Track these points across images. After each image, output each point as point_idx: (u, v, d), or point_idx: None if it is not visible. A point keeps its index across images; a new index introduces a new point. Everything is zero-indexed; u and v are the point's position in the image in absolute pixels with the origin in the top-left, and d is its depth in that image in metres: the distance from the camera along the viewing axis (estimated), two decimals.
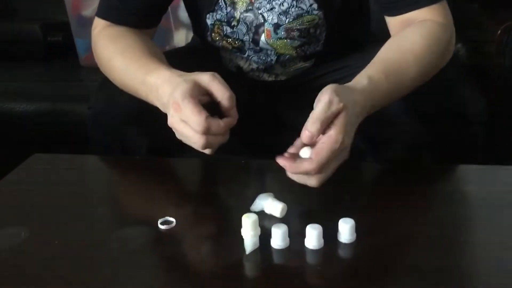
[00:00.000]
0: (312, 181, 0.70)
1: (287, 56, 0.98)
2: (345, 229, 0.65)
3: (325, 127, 0.68)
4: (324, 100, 0.69)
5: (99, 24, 0.93)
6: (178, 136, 0.74)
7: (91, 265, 0.64)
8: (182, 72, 0.77)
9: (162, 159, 0.89)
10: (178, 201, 0.77)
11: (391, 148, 0.89)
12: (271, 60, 0.99)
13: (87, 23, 1.59)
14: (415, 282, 0.60)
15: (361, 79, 0.77)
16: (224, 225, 0.70)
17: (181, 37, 1.64)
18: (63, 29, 1.71)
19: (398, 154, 0.89)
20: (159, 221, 0.69)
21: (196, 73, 0.75)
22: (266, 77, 1.04)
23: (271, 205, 0.70)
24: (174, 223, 0.69)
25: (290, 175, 0.70)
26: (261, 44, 0.96)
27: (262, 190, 0.73)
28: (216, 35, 0.98)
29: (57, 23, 1.75)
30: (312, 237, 0.64)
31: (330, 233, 0.65)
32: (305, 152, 0.69)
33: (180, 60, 1.03)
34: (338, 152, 0.69)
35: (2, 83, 1.55)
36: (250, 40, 0.96)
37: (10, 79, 1.57)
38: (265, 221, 0.69)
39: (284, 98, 1.04)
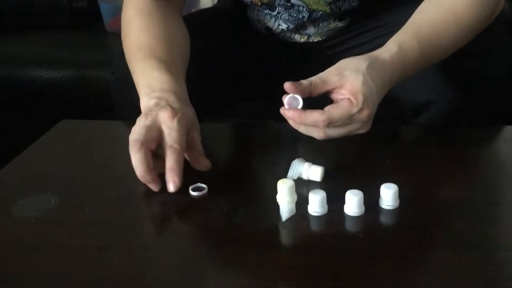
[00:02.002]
0: (318, 133, 0.68)
1: (320, 12, 0.93)
2: (388, 195, 0.61)
3: None
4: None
5: None
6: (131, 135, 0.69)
7: (122, 231, 0.61)
8: (161, 99, 0.72)
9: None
10: (210, 170, 0.73)
11: (428, 112, 0.85)
12: (303, 17, 0.94)
13: None
14: (459, 250, 0.56)
15: (389, 46, 0.73)
16: (259, 191, 0.67)
17: (207, 0, 1.60)
18: None
19: (436, 117, 0.85)
20: (190, 188, 0.66)
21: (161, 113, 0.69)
22: (297, 38, 0.99)
23: (309, 169, 0.67)
24: (206, 190, 0.67)
25: (295, 125, 0.68)
26: (292, 0, 0.91)
27: (296, 155, 0.69)
28: None
29: None
30: (352, 203, 0.61)
31: (371, 199, 0.62)
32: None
33: (205, 24, 1.01)
34: (354, 118, 0.67)
35: (29, 51, 1.54)
36: None
37: (37, 47, 1.56)
38: (301, 188, 0.66)
39: (317, 60, 1.00)
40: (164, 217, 0.64)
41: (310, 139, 0.71)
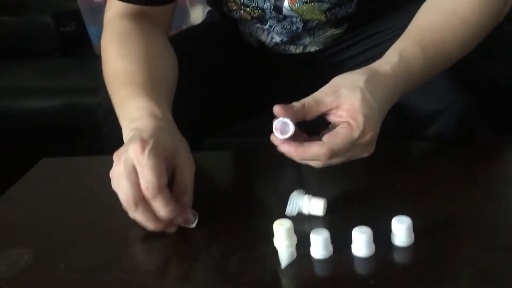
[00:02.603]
0: (316, 163, 0.61)
1: (315, 22, 0.86)
2: (400, 230, 0.54)
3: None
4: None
5: (112, 6, 0.82)
6: (112, 183, 0.61)
7: None
8: (140, 132, 0.62)
9: None
10: (198, 206, 0.66)
11: (438, 122, 0.78)
12: (297, 28, 0.87)
13: (99, 9, 1.51)
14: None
15: (390, 57, 0.66)
16: (254, 232, 0.59)
17: (198, 14, 1.54)
18: (75, 18, 1.62)
19: (447, 128, 0.78)
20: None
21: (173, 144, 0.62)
22: (293, 49, 0.93)
23: (309, 203, 0.59)
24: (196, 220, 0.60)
25: (291, 155, 0.60)
26: (284, 11, 0.84)
27: (295, 185, 0.62)
28: (233, 4, 0.87)
29: (68, 12, 1.66)
30: (361, 242, 0.53)
31: (381, 235, 0.54)
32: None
33: (195, 43, 0.95)
34: (356, 143, 0.59)
35: (18, 79, 1.48)
36: (272, 7, 0.84)
37: (25, 76, 1.51)
38: (302, 224, 0.59)
39: (316, 72, 0.93)
40: (150, 271, 0.57)
41: (308, 168, 0.64)
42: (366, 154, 0.61)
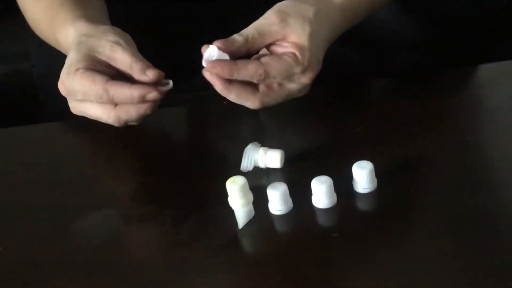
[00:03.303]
0: (253, 102, 0.55)
1: None
2: (362, 176, 0.50)
3: None
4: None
5: None
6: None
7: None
8: (90, 30, 0.58)
9: None
10: (149, 170, 0.61)
11: (394, 58, 0.75)
12: None
13: None
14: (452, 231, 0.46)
15: None
16: (209, 192, 0.55)
17: None
18: None
19: (404, 63, 0.74)
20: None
21: (98, 36, 0.57)
22: None
23: (265, 156, 0.55)
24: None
25: (223, 90, 0.54)
26: None
27: (249, 139, 0.57)
28: None
29: None
30: (321, 193, 0.50)
31: (343, 183, 0.51)
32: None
33: None
34: (294, 78, 0.55)
35: None
36: None
37: None
38: (260, 179, 0.55)
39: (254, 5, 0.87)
40: (98, 243, 0.53)
41: (264, 116, 0.59)
42: (301, 94, 0.57)
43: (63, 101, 0.80)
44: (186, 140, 0.67)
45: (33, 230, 0.55)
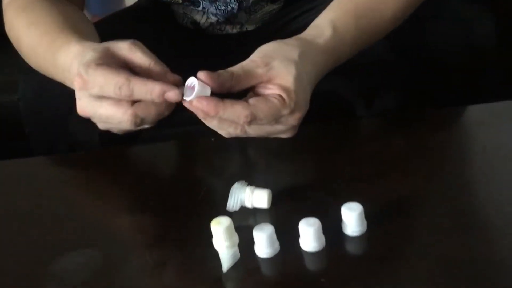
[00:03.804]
0: (235, 129, 0.53)
1: (251, 0, 0.80)
2: (351, 218, 0.49)
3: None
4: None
5: None
6: (100, 125, 0.58)
7: None
8: (98, 44, 0.59)
9: (118, 148, 0.71)
10: (133, 208, 0.60)
11: (382, 96, 0.74)
12: (232, 9, 0.81)
13: None
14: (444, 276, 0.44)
15: (323, 29, 0.61)
16: (192, 233, 0.53)
17: None
18: None
19: (392, 103, 0.74)
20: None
21: (111, 41, 0.57)
22: (229, 29, 0.87)
23: (252, 195, 0.54)
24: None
25: (205, 117, 0.53)
26: None
27: (236, 177, 0.56)
28: None
29: None
30: (309, 236, 0.48)
31: (332, 226, 0.49)
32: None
33: (126, 23, 0.87)
34: (281, 120, 0.54)
35: None
36: None
37: None
38: (247, 219, 0.53)
39: (252, 52, 0.87)
40: (76, 284, 0.50)
41: (252, 152, 0.58)
42: (287, 135, 0.56)
43: (49, 134, 0.79)
44: (173, 177, 0.65)
45: (10, 267, 0.53)
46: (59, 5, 0.70)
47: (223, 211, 0.53)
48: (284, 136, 0.56)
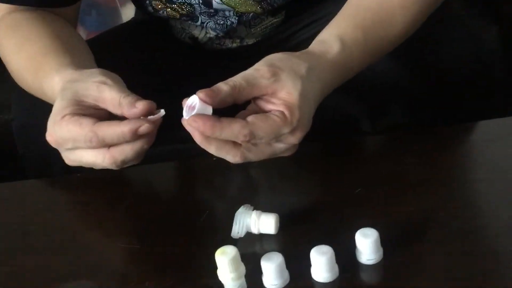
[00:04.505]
0: (234, 156, 0.50)
1: (251, 14, 0.78)
2: (366, 245, 0.45)
3: None
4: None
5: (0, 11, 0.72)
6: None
7: None
8: (75, 76, 0.56)
9: (115, 170, 0.68)
10: (133, 236, 0.56)
11: (389, 112, 0.72)
12: (232, 23, 0.79)
13: None
14: None
15: (331, 43, 0.58)
16: (195, 263, 0.50)
17: (130, 13, 1.42)
18: None
19: (399, 119, 0.71)
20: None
21: (84, 79, 0.55)
22: (229, 43, 0.84)
23: (258, 220, 0.51)
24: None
25: (202, 141, 0.50)
26: (215, 4, 0.76)
27: (241, 200, 0.53)
28: (157, 2, 0.77)
29: None
30: (321, 265, 0.45)
31: (345, 254, 0.46)
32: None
33: (122, 39, 0.85)
34: (282, 139, 0.51)
35: None
36: (200, 1, 0.75)
37: None
38: (253, 246, 0.50)
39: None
40: None
41: (256, 172, 0.55)
42: (288, 154, 0.53)
43: (44, 155, 0.76)
44: (173, 202, 0.62)
45: None
46: (50, 23, 0.68)
47: (227, 238, 0.50)
48: (283, 155, 0.53)
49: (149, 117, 0.50)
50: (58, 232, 0.59)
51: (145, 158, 0.70)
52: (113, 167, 0.52)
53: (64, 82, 0.56)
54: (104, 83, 0.52)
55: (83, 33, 1.40)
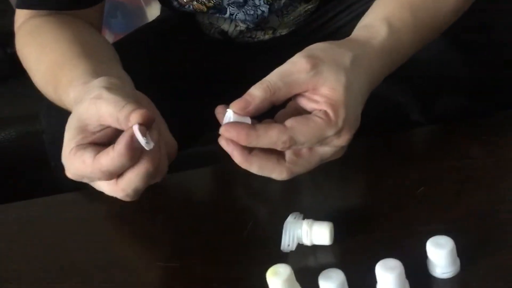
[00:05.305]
0: (280, 173, 0.46)
1: (283, 1, 0.73)
2: (440, 257, 0.39)
3: None
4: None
5: (20, 17, 0.69)
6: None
7: None
8: (81, 93, 0.51)
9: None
10: (171, 253, 0.51)
11: (442, 99, 0.67)
12: (263, 12, 0.74)
13: None
14: None
15: (377, 28, 0.52)
16: (245, 278, 0.45)
17: (155, 12, 1.40)
18: None
19: (453, 107, 0.66)
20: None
21: (84, 98, 0.50)
22: (261, 35, 0.80)
23: (310, 231, 0.45)
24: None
25: (245, 162, 0.46)
26: None
27: (290, 208, 0.47)
28: None
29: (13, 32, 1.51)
30: (389, 282, 0.39)
31: (415, 267, 0.40)
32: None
33: (150, 40, 0.82)
34: (325, 142, 0.46)
35: None
36: None
37: None
38: (307, 259, 0.45)
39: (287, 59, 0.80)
40: None
41: (301, 178, 0.49)
42: (336, 157, 0.48)
43: None
44: (213, 212, 0.56)
45: None
46: (70, 28, 0.64)
47: (277, 252, 0.45)
48: (331, 159, 0.48)
49: (139, 139, 0.44)
50: (86, 248, 0.55)
51: (182, 160, 0.66)
52: (128, 199, 0.48)
53: (74, 102, 0.52)
54: (100, 97, 0.47)
55: (109, 35, 1.38)
